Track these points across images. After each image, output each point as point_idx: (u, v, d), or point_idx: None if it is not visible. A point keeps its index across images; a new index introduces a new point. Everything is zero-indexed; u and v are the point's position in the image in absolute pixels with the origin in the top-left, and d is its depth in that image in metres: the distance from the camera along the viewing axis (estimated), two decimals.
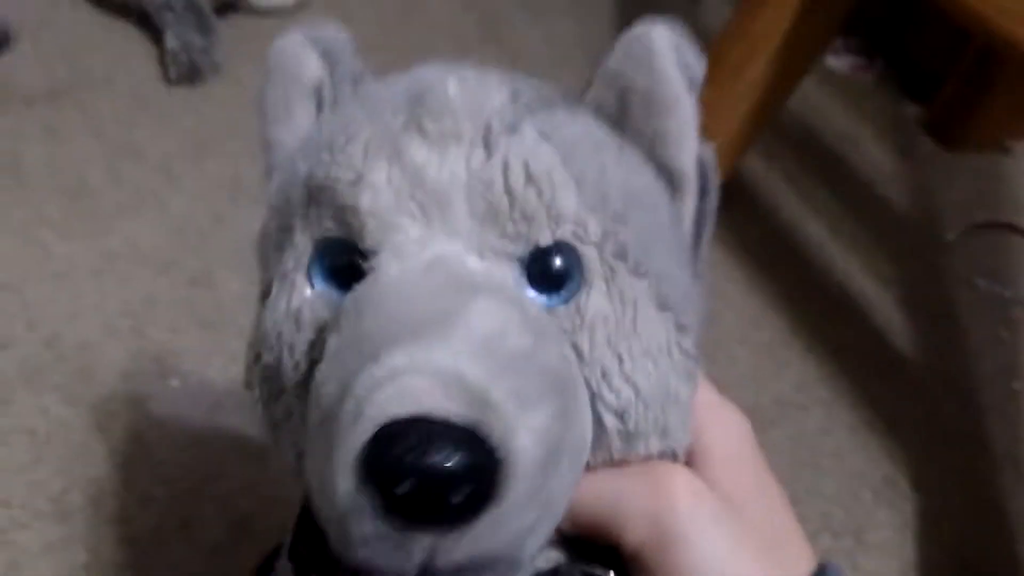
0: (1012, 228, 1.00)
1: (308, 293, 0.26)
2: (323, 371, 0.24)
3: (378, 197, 0.25)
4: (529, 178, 0.25)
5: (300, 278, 0.26)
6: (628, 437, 0.26)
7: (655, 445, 0.27)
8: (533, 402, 0.22)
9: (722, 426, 0.29)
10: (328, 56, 0.29)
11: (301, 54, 0.29)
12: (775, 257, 0.94)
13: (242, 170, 0.90)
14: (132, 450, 0.64)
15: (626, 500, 0.26)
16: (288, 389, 0.26)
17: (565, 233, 0.25)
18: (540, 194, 0.25)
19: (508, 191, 0.25)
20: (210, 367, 0.70)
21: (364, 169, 0.25)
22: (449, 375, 0.21)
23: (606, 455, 0.27)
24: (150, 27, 1.04)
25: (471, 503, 0.20)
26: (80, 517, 0.59)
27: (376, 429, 0.20)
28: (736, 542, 0.26)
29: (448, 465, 0.20)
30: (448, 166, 0.25)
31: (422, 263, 0.24)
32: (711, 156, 0.29)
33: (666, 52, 0.26)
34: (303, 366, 0.26)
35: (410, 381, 0.21)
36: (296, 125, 0.29)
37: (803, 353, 0.84)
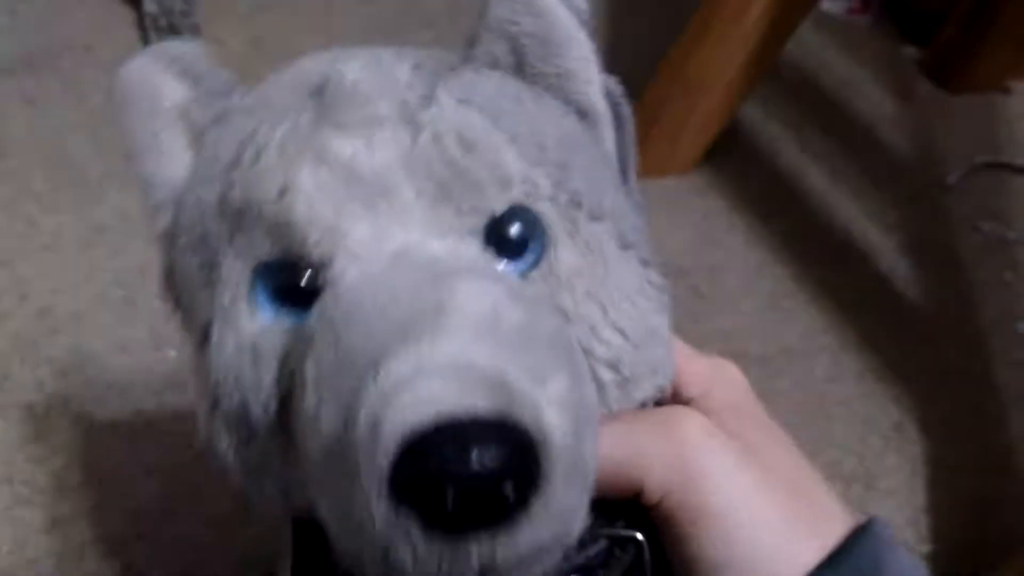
0: (1014, 169, 0.99)
1: (257, 325, 0.23)
2: (310, 401, 0.21)
3: (313, 203, 0.23)
4: (466, 146, 0.23)
5: (243, 312, 0.23)
6: (624, 385, 0.26)
7: (648, 386, 0.27)
8: (548, 374, 0.21)
9: (723, 386, 0.29)
10: (187, 74, 0.26)
11: (155, 79, 0.26)
12: (776, 206, 0.92)
13: None
14: (132, 421, 0.62)
15: (645, 446, 0.26)
16: (259, 432, 0.24)
17: (517, 195, 0.24)
18: (482, 159, 0.23)
19: (449, 164, 0.23)
20: None
21: (287, 178, 0.23)
22: (461, 368, 0.19)
23: (604, 409, 0.26)
24: None
25: (520, 495, 0.19)
26: (84, 492, 0.58)
27: (402, 445, 0.18)
28: (759, 483, 0.26)
29: (489, 464, 0.18)
30: (379, 153, 0.23)
31: (384, 259, 0.23)
32: (617, 86, 0.28)
33: None
34: (273, 404, 0.23)
35: (423, 384, 0.19)
36: (171, 157, 0.26)
37: (807, 302, 0.83)
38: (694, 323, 0.75)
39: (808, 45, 1.11)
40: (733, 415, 0.28)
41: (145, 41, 0.97)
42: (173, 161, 0.26)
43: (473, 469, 0.18)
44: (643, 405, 0.27)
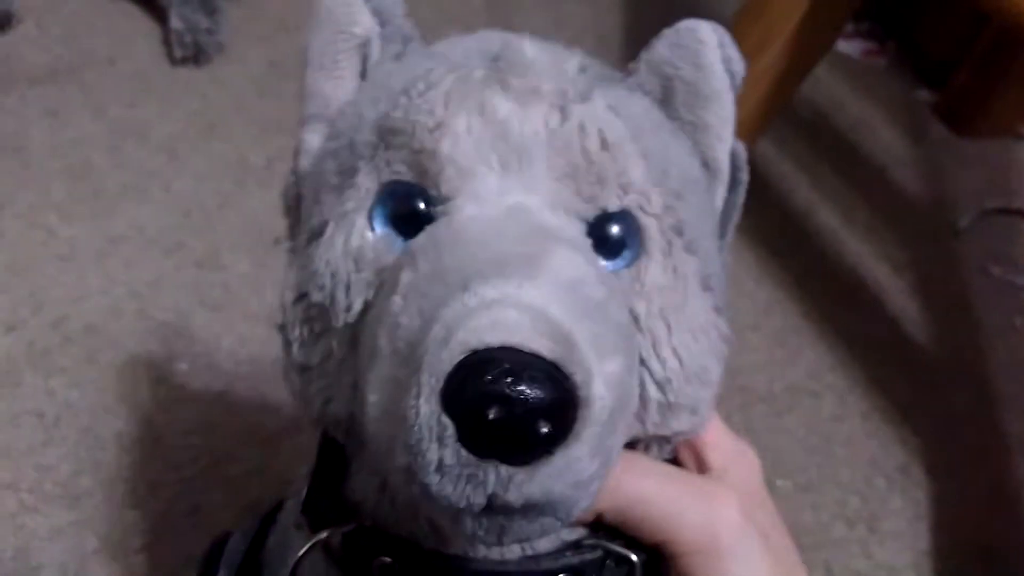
0: None
1: (370, 235, 0.26)
2: (397, 302, 0.23)
3: (459, 144, 0.25)
4: (604, 144, 0.25)
5: (361, 220, 0.26)
6: (666, 411, 0.27)
7: (686, 422, 0.28)
8: (608, 351, 0.22)
9: (743, 469, 0.32)
10: (379, 13, 0.29)
11: (353, 7, 0.29)
12: (787, 244, 0.93)
13: (248, 151, 0.89)
14: (141, 434, 0.63)
15: (686, 509, 0.28)
16: (334, 330, 0.26)
17: (631, 202, 0.26)
18: (614, 160, 0.26)
19: (584, 153, 0.25)
20: (219, 350, 0.70)
21: (446, 116, 0.25)
22: (538, 312, 0.21)
23: (640, 429, 0.27)
24: (153, 7, 1.03)
25: (551, 438, 0.20)
26: (89, 502, 0.59)
27: (467, 353, 0.20)
28: (772, 566, 0.29)
29: (537, 395, 0.20)
30: (530, 122, 0.25)
31: (501, 209, 0.25)
32: (743, 151, 0.30)
33: (714, 47, 0.28)
34: (356, 307, 0.26)
35: (503, 312, 0.21)
36: (341, 77, 0.29)
37: (816, 340, 0.83)
38: None
39: (824, 85, 1.12)
40: (749, 499, 0.30)
41: (170, 57, 0.98)
42: (341, 84, 0.29)
43: (519, 398, 0.20)
44: (672, 439, 0.29)
